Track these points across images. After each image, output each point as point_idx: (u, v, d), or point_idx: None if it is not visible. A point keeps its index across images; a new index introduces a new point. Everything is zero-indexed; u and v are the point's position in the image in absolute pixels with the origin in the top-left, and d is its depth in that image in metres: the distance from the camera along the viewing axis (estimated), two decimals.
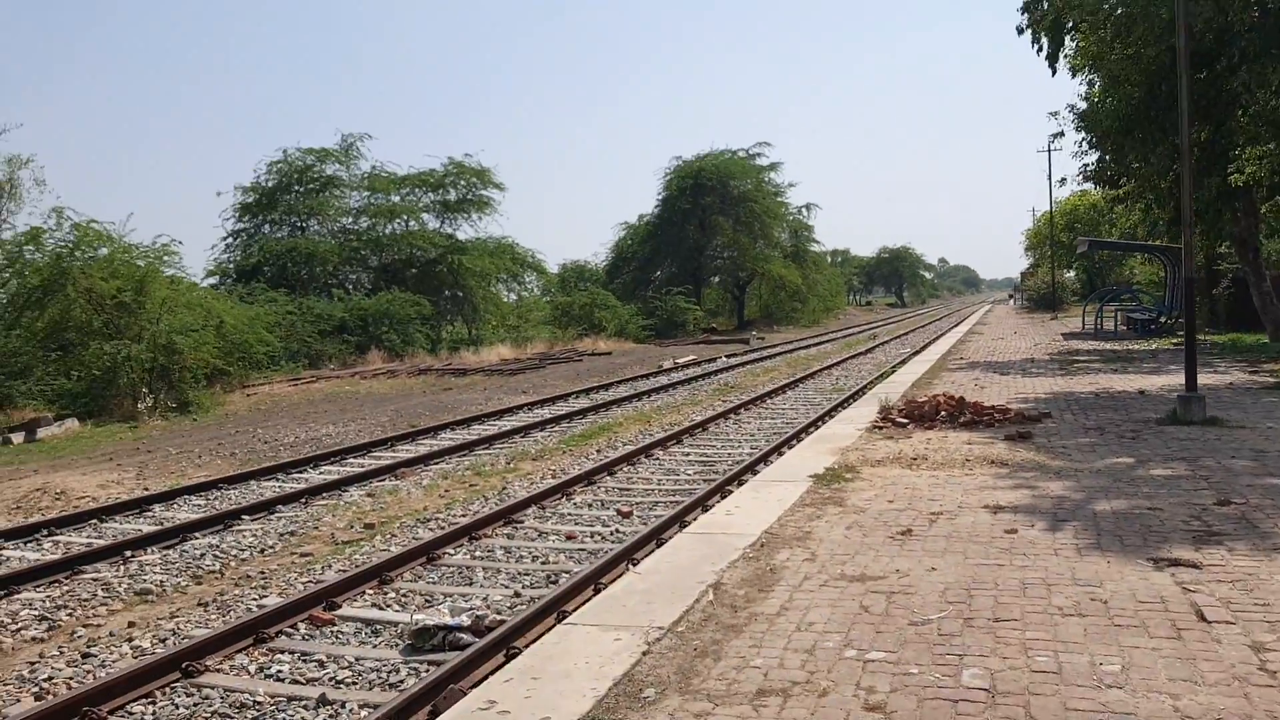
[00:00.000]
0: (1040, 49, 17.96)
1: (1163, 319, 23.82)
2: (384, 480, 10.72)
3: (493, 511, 8.23)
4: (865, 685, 3.40)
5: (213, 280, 33.64)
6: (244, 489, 10.54)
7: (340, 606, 6.07)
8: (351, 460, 12.29)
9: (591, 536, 7.76)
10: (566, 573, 6.71)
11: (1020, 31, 18.23)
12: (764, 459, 10.29)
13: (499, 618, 5.53)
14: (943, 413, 9.57)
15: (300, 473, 11.52)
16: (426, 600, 6.24)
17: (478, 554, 7.37)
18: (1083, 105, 18.93)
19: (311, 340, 28.85)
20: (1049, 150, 45.35)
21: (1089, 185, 23.79)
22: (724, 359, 27.87)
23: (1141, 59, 14.92)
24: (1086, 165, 19.93)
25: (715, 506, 6.49)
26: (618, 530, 7.89)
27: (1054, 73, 18.04)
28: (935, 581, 4.53)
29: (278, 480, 11.06)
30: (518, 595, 6.26)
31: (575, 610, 5.80)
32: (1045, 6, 18.37)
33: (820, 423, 13.23)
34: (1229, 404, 9.71)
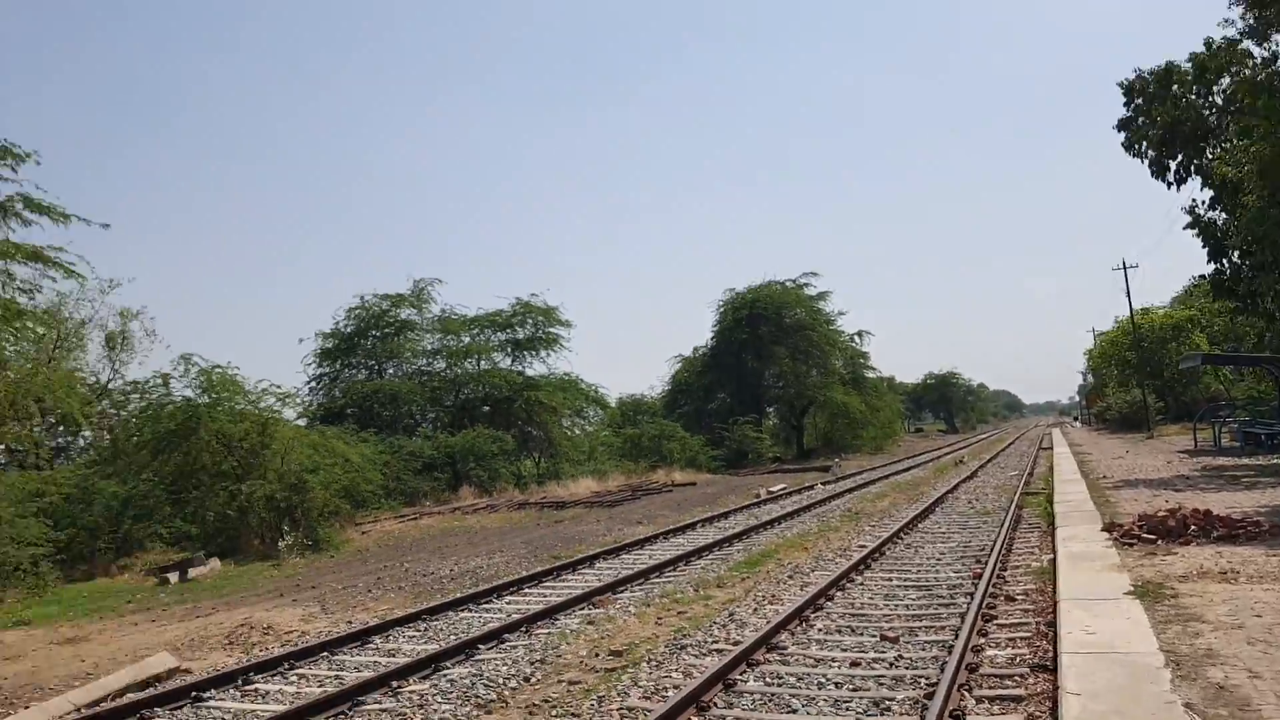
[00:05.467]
0: (1146, 161, 18.38)
1: None
2: (583, 609, 10.43)
3: (754, 640, 7.87)
4: None
5: (301, 423, 34.14)
6: (446, 620, 10.28)
7: None
8: (530, 591, 12.02)
9: (874, 663, 7.40)
10: (890, 699, 6.36)
11: (1126, 148, 18.74)
12: (990, 583, 9.90)
13: None
14: (1192, 527, 9.21)
15: (489, 603, 11.28)
16: None
17: (769, 680, 7.02)
18: (1208, 216, 18.92)
19: (406, 478, 29.00)
20: (1125, 268, 44.93)
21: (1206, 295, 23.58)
22: (819, 487, 27.40)
23: None
24: (1221, 275, 19.72)
25: (1068, 626, 6.16)
26: (900, 656, 7.52)
27: (1169, 185, 18.39)
28: None
29: (471, 610, 10.82)
30: None
31: None
32: (1141, 122, 18.88)
33: (1010, 545, 12.78)
34: None
